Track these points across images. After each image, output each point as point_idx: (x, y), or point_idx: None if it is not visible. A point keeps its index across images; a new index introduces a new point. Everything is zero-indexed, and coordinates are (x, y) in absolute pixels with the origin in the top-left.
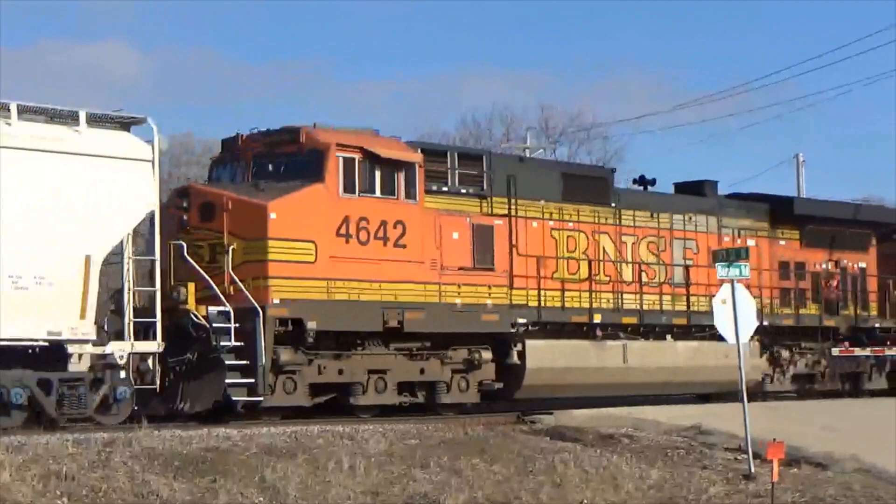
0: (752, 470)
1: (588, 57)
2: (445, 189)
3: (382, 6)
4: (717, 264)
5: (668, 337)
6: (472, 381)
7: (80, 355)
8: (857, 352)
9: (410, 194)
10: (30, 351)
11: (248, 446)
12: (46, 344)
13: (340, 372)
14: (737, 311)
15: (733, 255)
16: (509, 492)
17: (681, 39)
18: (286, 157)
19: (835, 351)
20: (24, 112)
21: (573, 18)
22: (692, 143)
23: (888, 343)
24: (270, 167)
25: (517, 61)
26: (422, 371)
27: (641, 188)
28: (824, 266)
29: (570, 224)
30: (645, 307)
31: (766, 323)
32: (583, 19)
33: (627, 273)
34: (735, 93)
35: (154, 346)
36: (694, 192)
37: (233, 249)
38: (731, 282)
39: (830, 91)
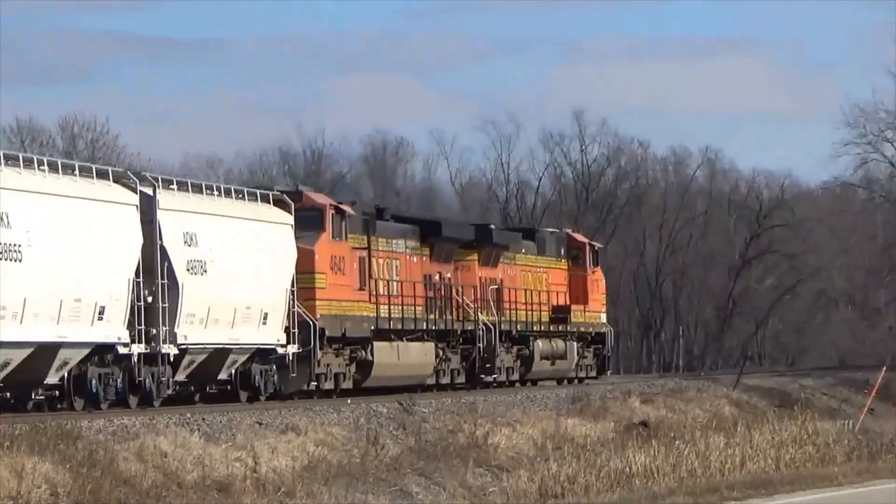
0: None
1: None
2: None
3: None
4: None
5: (404, 339)
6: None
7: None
8: None
9: None
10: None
11: None
12: (272, 346)
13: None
14: None
15: None
16: None
17: None
18: None
19: None
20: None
21: None
22: None
23: None
24: None
25: None
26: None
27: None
28: (437, 277)
29: (363, 251)
30: (398, 315)
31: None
32: None
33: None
34: None
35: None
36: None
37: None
38: None
39: None
